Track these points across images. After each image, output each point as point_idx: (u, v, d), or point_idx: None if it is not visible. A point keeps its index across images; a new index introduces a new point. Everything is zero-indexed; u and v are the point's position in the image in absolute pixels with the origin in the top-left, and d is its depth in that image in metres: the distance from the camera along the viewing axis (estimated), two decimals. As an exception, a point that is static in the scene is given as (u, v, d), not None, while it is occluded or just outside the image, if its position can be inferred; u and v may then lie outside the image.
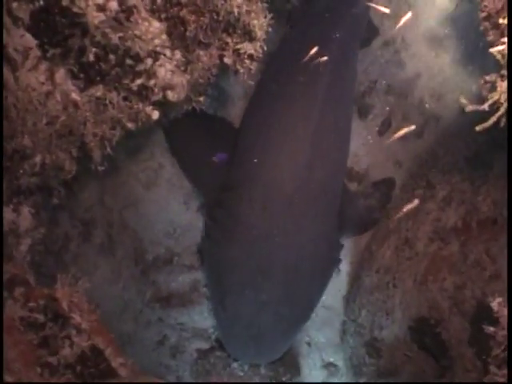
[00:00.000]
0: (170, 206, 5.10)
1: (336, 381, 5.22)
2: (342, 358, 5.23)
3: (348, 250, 5.02)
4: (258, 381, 4.92)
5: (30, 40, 2.48)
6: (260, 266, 4.25)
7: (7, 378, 1.81)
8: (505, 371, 2.20)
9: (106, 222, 4.93)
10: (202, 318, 5.09)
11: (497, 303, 2.37)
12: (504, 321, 2.25)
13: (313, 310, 4.72)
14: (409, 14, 3.13)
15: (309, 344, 5.25)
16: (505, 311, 2.26)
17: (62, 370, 2.09)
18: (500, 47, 2.41)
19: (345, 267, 5.18)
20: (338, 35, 4.41)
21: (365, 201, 5.17)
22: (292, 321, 4.53)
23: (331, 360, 5.26)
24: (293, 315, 4.48)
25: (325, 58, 3.88)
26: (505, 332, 2.23)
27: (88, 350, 2.15)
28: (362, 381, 4.82)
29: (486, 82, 2.63)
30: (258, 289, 4.26)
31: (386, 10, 3.72)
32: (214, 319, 4.90)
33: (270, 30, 3.10)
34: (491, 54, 2.51)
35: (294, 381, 5.08)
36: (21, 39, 2.47)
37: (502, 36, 2.44)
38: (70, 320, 2.16)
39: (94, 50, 2.50)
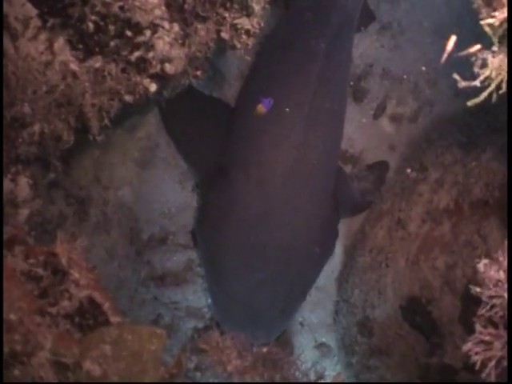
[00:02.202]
0: (166, 186, 5.13)
1: (328, 361, 5.27)
2: (334, 338, 5.28)
3: (341, 232, 5.05)
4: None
5: (30, 9, 2.51)
6: (256, 245, 4.30)
7: (11, 316, 1.86)
8: (490, 330, 2.26)
9: (101, 201, 4.95)
10: (196, 297, 5.14)
11: (483, 264, 2.43)
12: (489, 281, 2.32)
13: (310, 289, 4.77)
14: (453, 38, 2.99)
15: (301, 324, 5.30)
16: (491, 272, 2.32)
17: (61, 319, 2.14)
18: (490, 20, 2.45)
19: (338, 249, 5.22)
20: (332, 18, 4.44)
21: (359, 183, 5.22)
22: (289, 300, 4.59)
23: (323, 340, 5.31)
24: (290, 294, 4.54)
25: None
26: (490, 292, 2.29)
27: (86, 303, 2.20)
28: (353, 360, 4.87)
29: (477, 59, 2.68)
30: (254, 268, 4.31)
31: None
32: (211, 299, 4.93)
33: (267, 6, 3.14)
34: (482, 27, 2.55)
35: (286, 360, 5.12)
36: (22, 8, 2.49)
37: (494, 11, 2.48)
38: (69, 275, 2.21)
39: (93, 18, 2.54)
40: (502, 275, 2.26)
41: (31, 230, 3.02)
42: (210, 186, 4.62)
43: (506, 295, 2.20)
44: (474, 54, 2.61)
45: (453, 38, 2.83)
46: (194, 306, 5.15)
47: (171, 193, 5.13)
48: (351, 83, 5.45)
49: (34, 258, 2.19)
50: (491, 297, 2.28)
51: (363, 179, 5.27)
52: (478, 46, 2.58)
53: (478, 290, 2.40)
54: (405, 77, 5.59)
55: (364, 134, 5.51)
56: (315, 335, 5.32)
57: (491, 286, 2.29)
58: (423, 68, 5.47)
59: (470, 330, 3.67)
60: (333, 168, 4.74)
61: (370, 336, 4.66)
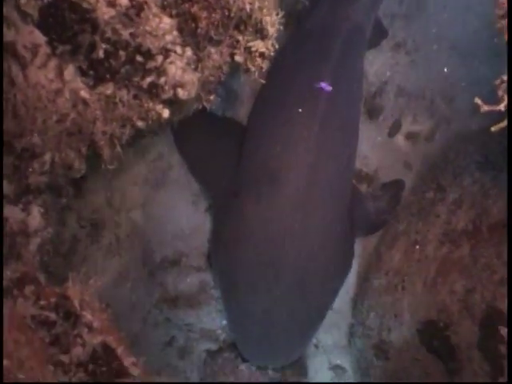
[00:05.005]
0: (178, 207, 5.08)
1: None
2: (349, 360, 5.21)
3: (356, 253, 4.97)
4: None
5: (39, 37, 2.46)
6: (271, 267, 4.21)
7: (21, 376, 1.80)
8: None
9: (114, 223, 4.91)
10: (209, 319, 5.07)
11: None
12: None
13: (327, 310, 4.69)
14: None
15: (316, 346, 5.23)
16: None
17: (74, 368, 2.08)
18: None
19: (353, 269, 5.14)
20: (342, 33, 4.40)
21: (374, 202, 5.15)
22: (307, 322, 4.52)
23: (338, 362, 5.24)
24: (307, 316, 4.47)
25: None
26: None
27: (100, 349, 2.13)
28: (369, 384, 4.81)
29: (502, 82, 2.59)
30: (271, 289, 4.23)
31: None
32: (227, 322, 4.91)
33: (281, 28, 3.08)
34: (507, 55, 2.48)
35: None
36: (30, 36, 2.45)
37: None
38: (82, 318, 2.15)
39: (104, 46, 2.48)
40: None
41: (42, 257, 2.99)
42: (223, 207, 4.56)
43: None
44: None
45: None
46: (208, 328, 5.09)
47: (184, 214, 5.07)
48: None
49: (46, 300, 2.13)
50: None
51: (378, 198, 5.20)
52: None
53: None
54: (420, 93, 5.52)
55: (379, 152, 5.45)
56: (330, 357, 5.25)
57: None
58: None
59: (489, 357, 3.62)
60: (347, 187, 4.66)
61: (386, 360, 4.59)
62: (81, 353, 2.11)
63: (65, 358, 2.06)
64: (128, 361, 2.18)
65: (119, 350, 2.18)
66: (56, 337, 2.09)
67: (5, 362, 1.77)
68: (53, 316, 2.12)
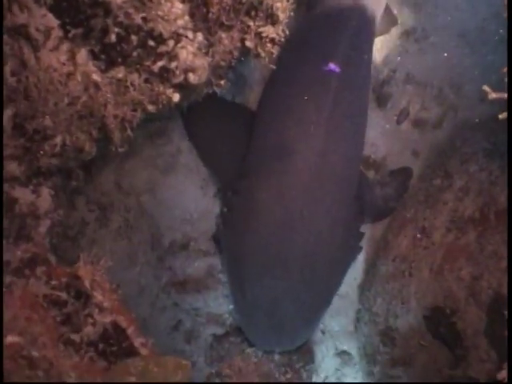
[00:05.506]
0: (187, 192, 5.10)
1: (349, 369, 5.22)
2: (355, 346, 5.23)
3: (364, 239, 4.99)
4: (272, 367, 4.91)
5: (51, 20, 2.47)
6: (278, 252, 4.24)
7: (34, 353, 1.82)
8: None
9: (123, 207, 4.92)
10: (216, 303, 5.11)
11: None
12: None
13: (333, 297, 4.72)
14: None
15: (323, 332, 5.25)
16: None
17: (85, 347, 2.10)
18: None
19: (360, 256, 5.17)
20: (351, 21, 4.39)
21: (382, 189, 5.16)
22: (313, 307, 4.55)
23: (345, 348, 5.26)
24: (313, 302, 4.49)
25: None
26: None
27: (110, 329, 2.16)
28: (375, 369, 4.82)
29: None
30: (278, 276, 4.26)
31: None
32: (234, 306, 4.93)
33: (291, 14, 3.09)
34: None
35: (307, 368, 5.08)
36: (42, 19, 2.46)
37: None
38: (92, 298, 2.17)
39: (116, 30, 2.50)
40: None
41: (52, 240, 3.01)
42: (231, 192, 4.58)
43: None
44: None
45: None
46: (215, 312, 5.12)
47: (193, 199, 5.10)
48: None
49: (57, 280, 2.16)
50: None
51: (386, 185, 5.21)
52: None
53: None
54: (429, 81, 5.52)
55: (387, 139, 5.45)
56: (336, 343, 5.27)
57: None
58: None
59: (495, 344, 3.63)
60: (355, 173, 4.67)
61: (393, 346, 4.61)
62: (91, 332, 2.14)
63: (76, 337, 2.09)
64: (138, 341, 2.21)
65: (129, 330, 2.21)
66: (67, 316, 2.12)
67: (17, 339, 1.80)
68: (64, 295, 2.14)
